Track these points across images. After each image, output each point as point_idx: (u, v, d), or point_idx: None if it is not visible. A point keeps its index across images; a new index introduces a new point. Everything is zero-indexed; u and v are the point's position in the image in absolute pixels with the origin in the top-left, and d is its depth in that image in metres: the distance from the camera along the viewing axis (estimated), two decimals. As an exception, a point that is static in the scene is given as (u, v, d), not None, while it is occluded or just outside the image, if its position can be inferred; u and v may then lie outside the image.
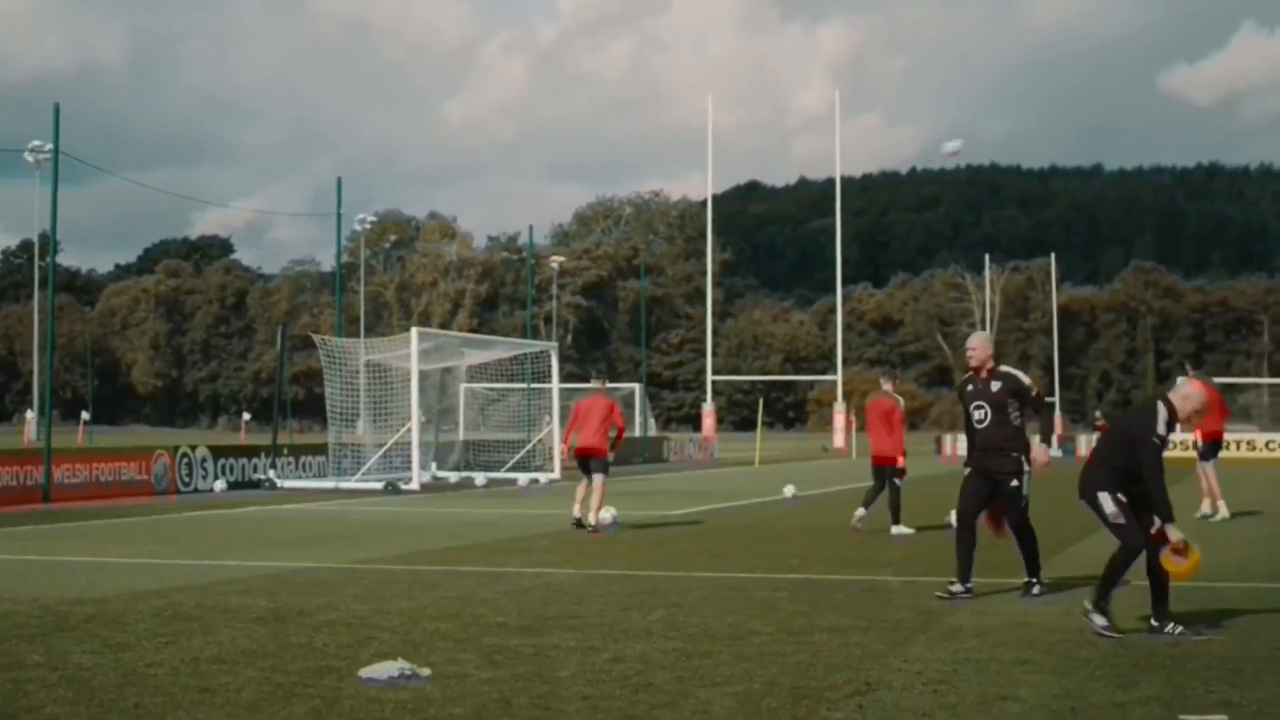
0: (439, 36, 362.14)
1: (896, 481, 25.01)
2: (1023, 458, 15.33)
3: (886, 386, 25.79)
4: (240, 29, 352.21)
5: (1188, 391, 12.88)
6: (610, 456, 25.91)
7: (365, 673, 10.57)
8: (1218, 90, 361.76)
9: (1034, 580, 15.46)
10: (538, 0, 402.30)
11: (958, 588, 15.31)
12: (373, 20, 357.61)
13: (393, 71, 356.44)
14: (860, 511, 24.52)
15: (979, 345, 15.64)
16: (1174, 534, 12.46)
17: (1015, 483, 15.24)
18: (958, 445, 75.39)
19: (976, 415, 15.34)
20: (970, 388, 15.52)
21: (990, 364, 15.53)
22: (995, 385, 15.33)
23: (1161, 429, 12.55)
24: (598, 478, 25.52)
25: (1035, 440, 15.50)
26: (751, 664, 11.24)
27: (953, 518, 24.40)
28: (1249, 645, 12.14)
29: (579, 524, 25.42)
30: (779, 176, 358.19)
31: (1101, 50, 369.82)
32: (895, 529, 24.37)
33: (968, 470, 15.51)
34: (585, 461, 25.78)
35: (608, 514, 25.37)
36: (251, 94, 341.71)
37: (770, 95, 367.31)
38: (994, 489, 15.36)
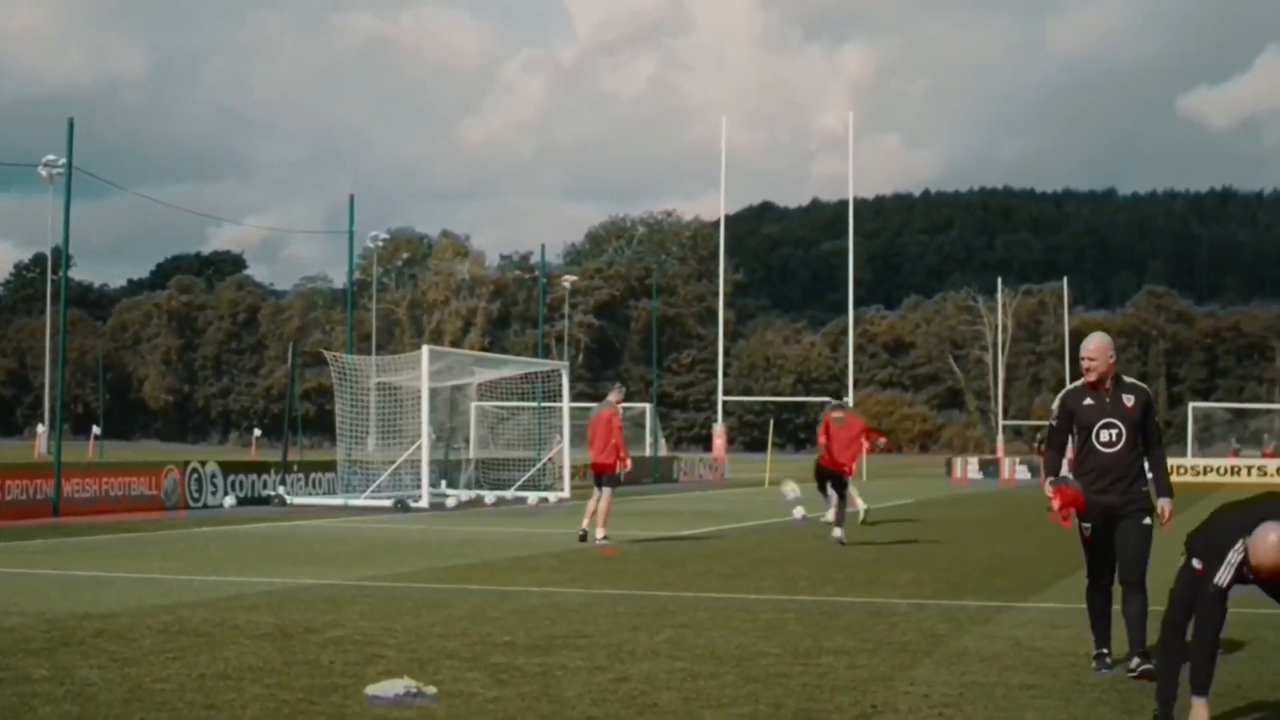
0: (460, 55, 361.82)
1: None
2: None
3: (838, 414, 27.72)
4: (261, 45, 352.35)
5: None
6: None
7: (371, 690, 10.57)
8: (1237, 114, 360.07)
9: (1143, 654, 11.70)
10: (559, 19, 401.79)
11: (1105, 651, 12.19)
12: (395, 38, 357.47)
13: (413, 89, 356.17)
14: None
15: (1100, 352, 12.22)
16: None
17: (1148, 520, 11.99)
18: (968, 468, 75.33)
19: (1105, 437, 12.05)
20: (1090, 401, 12.17)
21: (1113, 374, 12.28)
22: (1129, 399, 12.14)
23: None
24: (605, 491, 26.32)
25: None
26: (758, 685, 11.24)
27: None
28: (1256, 671, 12.11)
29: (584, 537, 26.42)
30: (792, 198, 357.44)
31: (1123, 74, 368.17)
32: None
33: (1087, 526, 12.10)
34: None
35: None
36: (271, 110, 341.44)
37: (790, 116, 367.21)
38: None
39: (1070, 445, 12.35)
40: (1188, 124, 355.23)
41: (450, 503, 41.01)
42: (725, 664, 12.23)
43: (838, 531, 26.43)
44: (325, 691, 10.77)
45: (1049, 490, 11.93)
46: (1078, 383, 12.42)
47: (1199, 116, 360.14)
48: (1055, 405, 12.54)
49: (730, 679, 11.51)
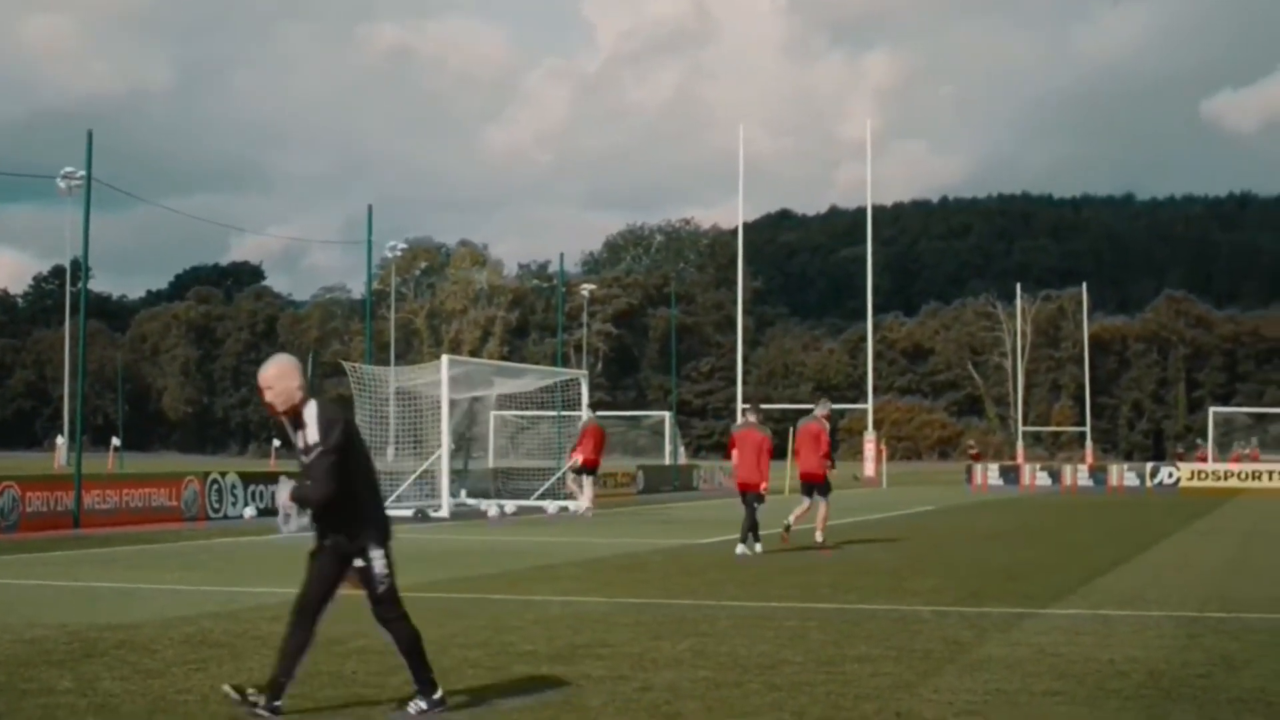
0: (482, 65, 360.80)
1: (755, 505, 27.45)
2: None
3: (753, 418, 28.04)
4: (284, 57, 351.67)
5: None
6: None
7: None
8: (1261, 116, 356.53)
9: None
10: (581, 29, 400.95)
11: None
12: (417, 48, 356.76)
13: (434, 99, 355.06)
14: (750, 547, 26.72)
15: None
16: None
17: None
18: (988, 475, 75.17)
19: None
20: None
21: None
22: None
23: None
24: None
25: None
26: (782, 694, 11.21)
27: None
28: (1282, 678, 12.08)
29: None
30: (811, 205, 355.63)
31: (1146, 78, 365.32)
32: (741, 549, 26.53)
33: None
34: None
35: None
36: (292, 121, 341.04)
37: (813, 123, 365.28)
38: None
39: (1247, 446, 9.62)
40: (1209, 128, 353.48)
41: (493, 512, 40.78)
42: (749, 673, 12.20)
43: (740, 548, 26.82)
44: (349, 702, 10.77)
45: None
46: None
47: (1221, 120, 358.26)
48: None
49: (754, 687, 11.48)
